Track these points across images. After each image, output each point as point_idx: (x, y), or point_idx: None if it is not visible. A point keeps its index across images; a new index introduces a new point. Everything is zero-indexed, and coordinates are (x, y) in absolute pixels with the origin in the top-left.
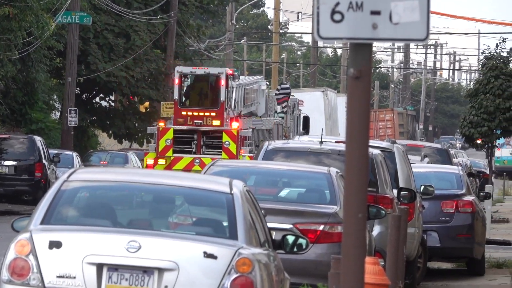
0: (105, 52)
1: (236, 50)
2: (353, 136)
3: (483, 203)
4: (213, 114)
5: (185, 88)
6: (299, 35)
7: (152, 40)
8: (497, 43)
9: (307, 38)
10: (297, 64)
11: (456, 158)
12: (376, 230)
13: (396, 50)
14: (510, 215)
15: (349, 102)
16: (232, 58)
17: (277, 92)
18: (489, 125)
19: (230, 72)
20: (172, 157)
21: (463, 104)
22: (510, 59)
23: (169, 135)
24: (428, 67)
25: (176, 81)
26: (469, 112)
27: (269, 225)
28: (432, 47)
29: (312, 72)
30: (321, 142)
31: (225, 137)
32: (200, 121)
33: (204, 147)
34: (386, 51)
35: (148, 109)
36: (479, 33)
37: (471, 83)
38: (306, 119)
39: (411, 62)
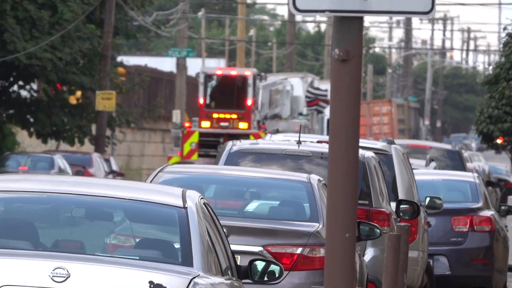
0: (25, 28)
1: (191, 26)
2: (339, 135)
3: (505, 220)
4: (240, 116)
5: (210, 89)
6: (271, 6)
7: (85, 13)
8: None
9: (282, 11)
10: (269, 44)
11: (471, 163)
12: (369, 254)
13: (394, 25)
14: None
15: (333, 91)
16: (187, 36)
17: (308, 94)
18: None
19: (258, 73)
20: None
21: (479, 93)
22: None
23: (194, 138)
24: (435, 47)
25: (201, 81)
26: (487, 104)
27: (233, 247)
28: (440, 21)
29: (288, 53)
30: (299, 142)
31: None
32: (227, 124)
33: None
34: (381, 27)
35: (80, 100)
36: (499, 3)
37: (490, 68)
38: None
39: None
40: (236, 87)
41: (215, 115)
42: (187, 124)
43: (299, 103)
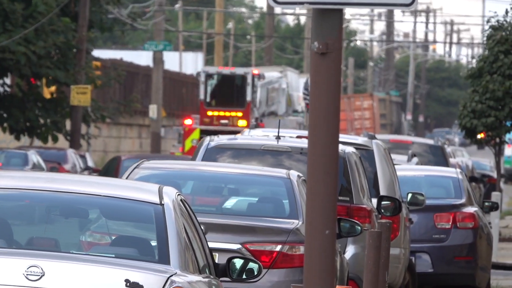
0: None
1: (168, 18)
2: (318, 130)
3: (488, 216)
4: (239, 114)
5: (210, 88)
6: None
7: (59, 5)
8: (507, 9)
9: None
10: (248, 37)
11: (454, 158)
12: (350, 251)
13: (376, 18)
14: None
15: (312, 85)
16: (164, 29)
17: (305, 92)
18: (497, 115)
19: (257, 72)
20: None
21: (463, 87)
22: None
23: (195, 135)
24: (417, 40)
25: (202, 80)
26: (470, 98)
27: (211, 245)
28: (422, 14)
29: (267, 46)
30: (278, 138)
31: None
32: (227, 121)
33: None
34: (363, 20)
35: (54, 95)
36: None
37: (474, 61)
38: None
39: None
40: (236, 86)
41: (215, 113)
42: (187, 122)
43: (294, 100)
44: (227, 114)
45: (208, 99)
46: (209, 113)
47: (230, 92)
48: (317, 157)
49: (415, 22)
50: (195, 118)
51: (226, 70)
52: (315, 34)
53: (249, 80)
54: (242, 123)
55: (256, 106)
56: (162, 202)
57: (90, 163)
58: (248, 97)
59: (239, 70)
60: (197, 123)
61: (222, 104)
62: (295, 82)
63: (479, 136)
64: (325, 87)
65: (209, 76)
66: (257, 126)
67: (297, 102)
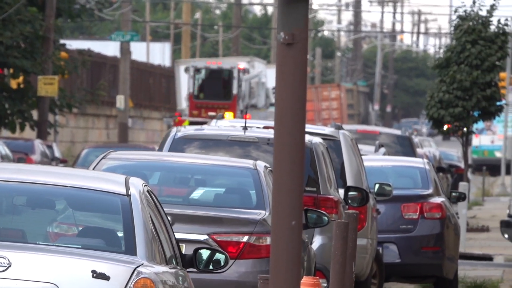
0: None
1: (135, 9)
2: (284, 120)
3: (456, 207)
4: (226, 106)
5: (198, 82)
6: None
7: None
8: None
9: None
10: (215, 27)
11: (422, 148)
12: (317, 242)
13: (343, 8)
14: (491, 222)
15: (278, 75)
16: (131, 19)
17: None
18: (465, 105)
19: (242, 66)
20: None
21: (430, 77)
22: (491, 19)
23: None
24: (385, 30)
25: (191, 74)
26: (438, 88)
27: (178, 236)
28: (390, 4)
29: (234, 36)
30: (245, 128)
31: None
32: (214, 113)
33: None
34: (330, 10)
35: (21, 85)
36: None
37: (441, 51)
38: None
39: (363, 23)
40: (223, 80)
41: (203, 105)
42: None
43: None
44: (215, 106)
45: (196, 92)
46: (198, 105)
47: (217, 85)
48: (283, 147)
49: (382, 12)
50: (184, 110)
51: (214, 65)
52: (281, 25)
53: (235, 74)
54: (229, 115)
55: (241, 98)
56: (129, 193)
57: (57, 154)
58: (234, 90)
59: (226, 65)
60: (187, 115)
61: (209, 97)
62: (263, 72)
63: (445, 127)
64: (291, 77)
65: (197, 70)
66: (223, 117)
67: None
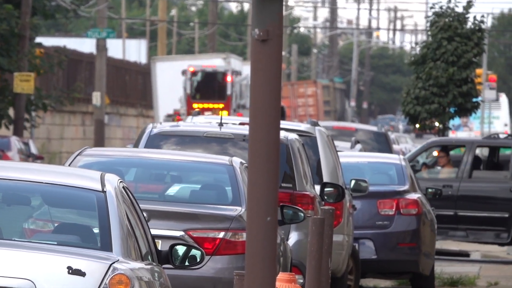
0: None
1: (111, 6)
2: (259, 116)
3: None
4: (221, 106)
5: (195, 83)
6: None
7: None
8: None
9: None
10: (191, 24)
11: (398, 145)
12: (293, 238)
13: (319, 5)
14: None
15: (253, 72)
16: (107, 16)
17: None
18: (441, 102)
19: (236, 69)
20: None
21: (406, 74)
22: (467, 16)
23: None
24: (361, 27)
25: (188, 77)
26: (414, 84)
27: (154, 232)
28: (366, 0)
29: (210, 33)
30: (220, 124)
31: None
32: (210, 112)
33: None
34: (306, 7)
35: None
36: None
37: (417, 48)
38: (282, 108)
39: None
40: (217, 81)
41: (200, 105)
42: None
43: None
44: (211, 106)
45: (193, 94)
46: (195, 105)
47: (212, 87)
48: (258, 143)
49: (358, 9)
50: (182, 110)
51: (209, 68)
52: (255, 21)
53: (229, 76)
54: (224, 114)
55: (234, 99)
56: (104, 189)
57: (34, 150)
58: (229, 91)
59: (220, 68)
60: (185, 114)
61: (205, 97)
62: (239, 68)
63: (417, 125)
64: (266, 74)
65: (193, 73)
66: (199, 113)
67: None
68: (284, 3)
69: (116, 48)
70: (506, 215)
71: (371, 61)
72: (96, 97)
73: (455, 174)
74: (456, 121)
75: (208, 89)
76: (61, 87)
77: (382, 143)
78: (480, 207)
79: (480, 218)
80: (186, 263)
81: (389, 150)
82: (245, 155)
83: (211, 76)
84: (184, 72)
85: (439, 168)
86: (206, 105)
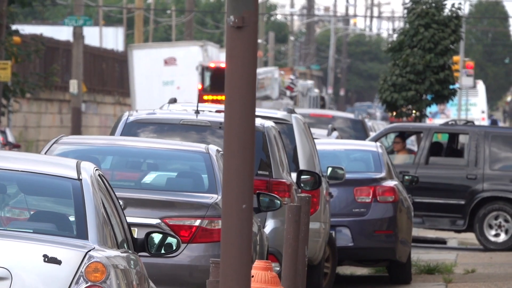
0: None
1: None
2: (234, 104)
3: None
4: None
5: (207, 77)
6: None
7: None
8: None
9: None
10: (168, 11)
11: (375, 132)
12: (270, 225)
13: None
14: None
15: (228, 59)
16: (84, 4)
17: (289, 81)
18: (418, 89)
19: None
20: None
21: (383, 61)
22: (444, 2)
23: None
24: (338, 14)
25: (199, 71)
26: (391, 71)
27: (130, 220)
28: None
29: (187, 21)
30: (197, 112)
31: None
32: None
33: None
34: None
35: None
36: None
37: (394, 34)
38: (322, 99)
39: (316, 7)
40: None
41: (210, 97)
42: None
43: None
44: (220, 98)
45: (205, 86)
46: (205, 97)
47: (223, 80)
48: (233, 130)
49: None
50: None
51: (219, 63)
52: (231, 8)
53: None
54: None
55: None
56: (80, 177)
57: (11, 138)
58: None
59: None
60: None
61: (216, 90)
62: (216, 56)
63: (394, 113)
64: (241, 61)
65: (206, 68)
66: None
67: None
68: None
69: (93, 36)
70: (462, 202)
71: (348, 48)
72: (73, 85)
73: (411, 160)
74: (433, 108)
75: (219, 82)
76: (38, 73)
77: (359, 131)
78: (436, 194)
79: (436, 204)
80: (162, 251)
81: (366, 137)
82: (221, 142)
83: (222, 70)
84: (197, 68)
85: (395, 154)
86: (215, 97)
